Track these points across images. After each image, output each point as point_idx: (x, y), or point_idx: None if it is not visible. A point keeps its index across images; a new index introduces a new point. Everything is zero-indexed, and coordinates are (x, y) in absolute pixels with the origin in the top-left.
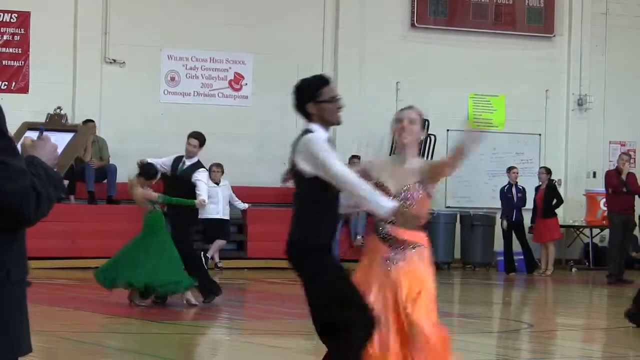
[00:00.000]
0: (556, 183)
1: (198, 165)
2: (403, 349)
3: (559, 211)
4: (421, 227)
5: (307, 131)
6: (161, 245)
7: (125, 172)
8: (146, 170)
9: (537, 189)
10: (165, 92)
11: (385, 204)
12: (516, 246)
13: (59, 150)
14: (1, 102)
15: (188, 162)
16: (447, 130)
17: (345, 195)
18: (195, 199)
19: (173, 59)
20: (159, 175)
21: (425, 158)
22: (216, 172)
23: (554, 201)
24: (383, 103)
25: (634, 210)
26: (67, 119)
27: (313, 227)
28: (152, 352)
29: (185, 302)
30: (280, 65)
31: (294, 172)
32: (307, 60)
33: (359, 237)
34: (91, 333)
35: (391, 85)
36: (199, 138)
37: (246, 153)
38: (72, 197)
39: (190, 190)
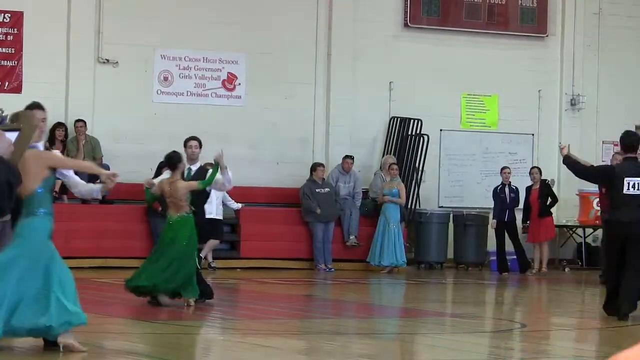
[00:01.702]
0: (549, 182)
1: (205, 168)
2: None
3: (552, 211)
4: None
5: None
6: (179, 251)
7: (118, 171)
8: (170, 158)
9: (529, 189)
10: (159, 92)
11: None
12: (508, 246)
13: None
14: None
15: (194, 168)
16: (440, 130)
17: None
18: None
19: (166, 58)
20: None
21: (417, 159)
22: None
23: (549, 200)
24: (376, 103)
25: None
26: (7, 119)
27: None
28: (144, 352)
29: (185, 303)
30: (273, 65)
31: None
32: (300, 60)
33: (352, 237)
34: (84, 333)
35: (384, 85)
36: (198, 139)
37: (239, 153)
38: (65, 197)
39: (203, 195)
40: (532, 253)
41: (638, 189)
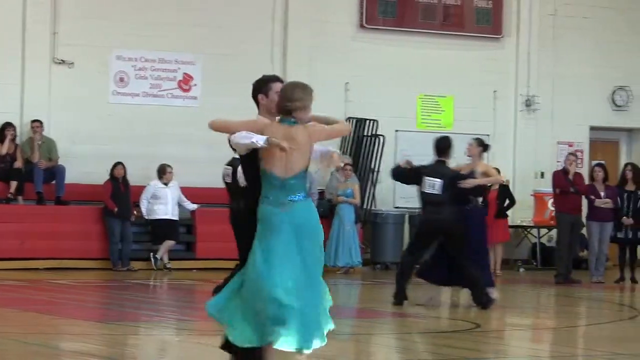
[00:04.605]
0: (504, 183)
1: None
2: None
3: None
4: None
5: None
6: None
7: (74, 173)
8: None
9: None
10: (114, 93)
11: None
12: None
13: None
14: None
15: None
16: (396, 130)
17: None
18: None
19: (122, 59)
20: None
21: (373, 159)
22: (170, 172)
23: (507, 202)
24: (332, 103)
25: (581, 211)
26: None
27: None
28: (100, 354)
29: None
30: (229, 66)
31: None
32: (256, 61)
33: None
34: (39, 334)
35: (340, 86)
36: None
37: (195, 154)
38: (20, 198)
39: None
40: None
41: (435, 189)
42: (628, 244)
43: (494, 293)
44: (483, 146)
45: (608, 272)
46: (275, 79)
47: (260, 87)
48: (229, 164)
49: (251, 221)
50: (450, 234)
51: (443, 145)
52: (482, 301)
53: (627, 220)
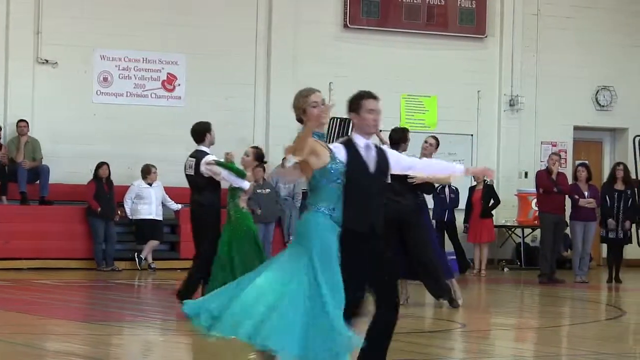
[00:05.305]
0: (488, 183)
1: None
2: None
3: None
4: None
5: None
6: None
7: (58, 172)
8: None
9: (472, 189)
10: (98, 93)
11: None
12: (448, 246)
13: None
14: None
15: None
16: (380, 130)
17: None
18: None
19: (106, 59)
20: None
21: None
22: (154, 173)
23: (491, 202)
24: None
25: (564, 210)
26: None
27: None
28: (84, 354)
29: None
30: (213, 65)
31: None
32: (240, 61)
33: (292, 238)
34: (24, 334)
35: (324, 86)
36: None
37: (179, 154)
38: (4, 198)
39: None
40: (472, 253)
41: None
42: (618, 245)
43: (454, 285)
44: (438, 147)
45: (592, 272)
46: (368, 95)
47: (351, 104)
48: (192, 156)
49: (211, 214)
50: (406, 222)
51: (396, 137)
52: (438, 293)
53: (626, 225)
